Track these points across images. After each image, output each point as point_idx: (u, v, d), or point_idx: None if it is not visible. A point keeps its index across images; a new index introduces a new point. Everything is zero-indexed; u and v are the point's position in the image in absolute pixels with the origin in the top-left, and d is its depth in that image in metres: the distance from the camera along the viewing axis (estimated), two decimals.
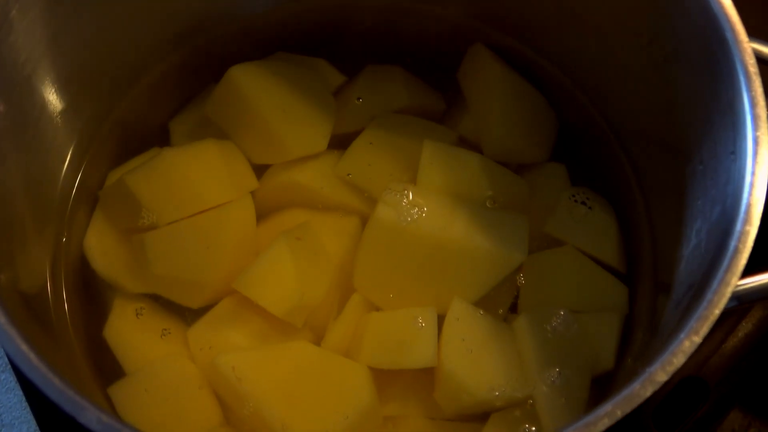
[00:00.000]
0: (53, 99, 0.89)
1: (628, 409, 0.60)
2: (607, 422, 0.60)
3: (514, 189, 0.99)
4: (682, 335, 0.63)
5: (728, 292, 0.64)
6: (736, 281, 0.64)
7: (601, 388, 0.90)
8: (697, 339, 0.62)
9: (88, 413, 0.59)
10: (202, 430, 0.88)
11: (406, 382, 0.91)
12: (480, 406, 0.88)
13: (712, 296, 0.64)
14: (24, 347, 0.62)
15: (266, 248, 0.92)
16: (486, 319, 0.91)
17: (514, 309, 0.96)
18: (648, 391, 0.61)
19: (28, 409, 1.02)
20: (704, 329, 0.62)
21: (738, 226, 0.66)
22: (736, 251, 0.65)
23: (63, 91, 0.89)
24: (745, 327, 0.96)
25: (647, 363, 0.78)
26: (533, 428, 0.87)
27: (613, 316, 0.93)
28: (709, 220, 0.74)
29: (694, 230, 0.78)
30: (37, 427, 1.01)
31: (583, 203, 0.99)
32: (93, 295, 0.97)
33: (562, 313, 0.90)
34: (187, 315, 0.96)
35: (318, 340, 0.94)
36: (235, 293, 0.92)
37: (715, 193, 0.74)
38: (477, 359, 0.88)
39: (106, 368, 0.92)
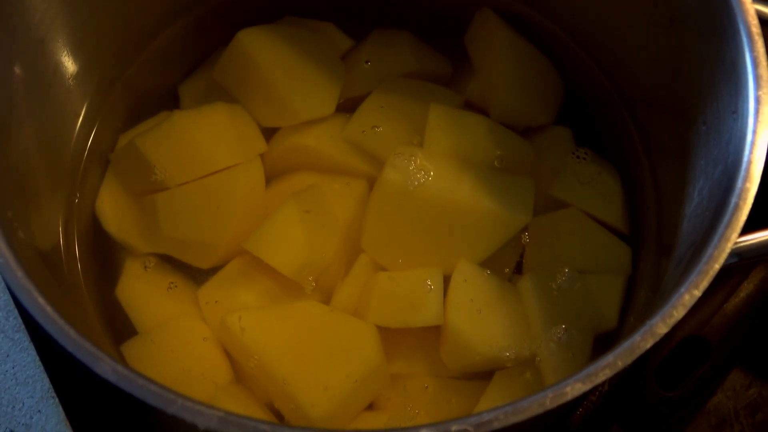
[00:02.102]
0: (65, 62, 0.90)
1: (628, 360, 0.62)
2: (608, 372, 0.61)
3: (520, 152, 0.99)
4: (682, 289, 0.64)
5: (728, 247, 0.65)
6: (737, 237, 0.65)
7: (604, 347, 0.91)
8: (697, 293, 0.63)
9: (104, 364, 0.61)
10: (212, 387, 0.90)
11: (413, 342, 0.93)
12: (486, 363, 0.89)
13: (713, 251, 0.65)
14: (41, 300, 0.63)
15: (276, 210, 0.93)
16: (491, 278, 0.92)
17: (519, 270, 0.98)
18: (648, 343, 0.62)
19: (42, 368, 1.03)
20: (704, 283, 0.64)
21: (739, 183, 0.67)
22: (737, 207, 0.66)
23: (75, 54, 0.91)
24: (747, 287, 0.97)
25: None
26: (536, 385, 0.88)
27: (616, 277, 0.94)
28: (711, 179, 0.75)
29: (696, 189, 0.79)
30: (51, 385, 1.02)
31: (584, 158, 1.00)
32: (105, 255, 0.98)
33: (567, 270, 0.92)
34: (195, 271, 0.98)
35: (326, 301, 0.95)
36: (244, 254, 0.94)
37: (717, 153, 0.75)
38: (483, 317, 0.89)
39: (118, 327, 0.94)
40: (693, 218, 0.77)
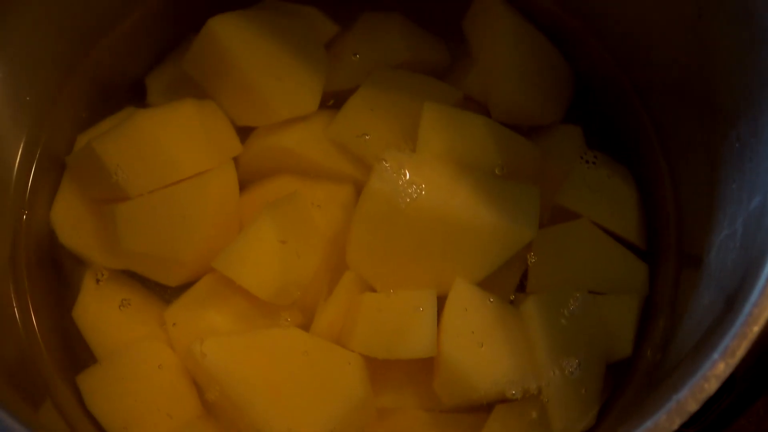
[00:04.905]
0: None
1: None
2: None
3: (525, 156, 0.90)
4: (715, 356, 0.54)
5: None
6: None
7: (615, 376, 0.83)
8: (733, 361, 0.54)
9: None
10: (178, 421, 0.82)
11: (402, 372, 0.85)
12: (485, 398, 0.81)
13: (751, 309, 0.55)
14: None
15: (250, 223, 0.84)
16: (491, 302, 0.83)
17: (522, 288, 0.88)
18: (675, 424, 0.53)
19: None
20: (741, 350, 0.54)
21: None
22: None
23: (15, 42, 0.81)
24: None
25: (670, 359, 0.71)
26: (541, 421, 0.80)
27: (631, 298, 0.86)
28: (745, 210, 0.65)
29: (726, 216, 0.69)
30: None
31: (593, 162, 0.91)
32: (61, 274, 0.90)
33: (578, 295, 0.83)
34: (158, 285, 0.89)
35: (308, 322, 0.87)
36: (216, 271, 0.84)
37: (754, 180, 0.65)
38: (481, 347, 0.81)
39: (76, 355, 0.86)
40: (723, 252, 0.68)
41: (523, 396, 0.80)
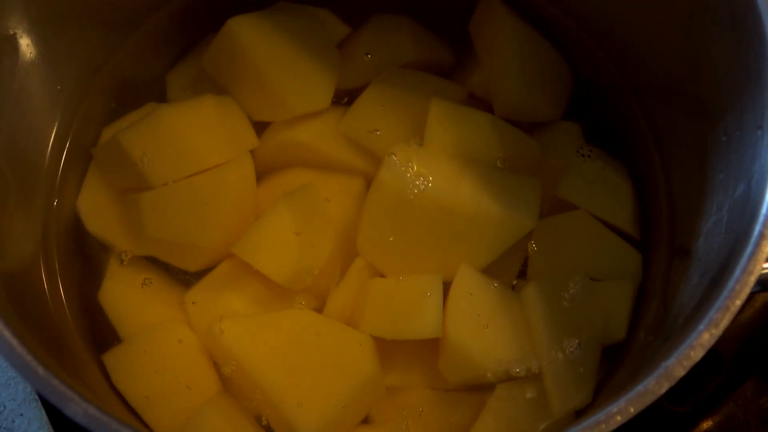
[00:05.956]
0: (35, 50, 0.83)
1: (641, 406, 0.57)
2: (619, 420, 0.57)
3: (526, 150, 0.94)
4: (701, 327, 0.59)
5: (751, 281, 0.60)
6: (760, 269, 0.60)
7: (610, 358, 0.87)
8: (717, 332, 0.59)
9: (73, 405, 0.56)
10: (198, 398, 0.86)
11: (409, 352, 0.89)
12: (487, 377, 0.85)
13: (734, 285, 0.60)
14: (6, 334, 0.59)
15: (266, 212, 0.88)
16: (494, 286, 0.87)
17: (523, 275, 0.93)
18: (663, 388, 0.57)
19: None
20: (725, 321, 0.59)
21: (763, 210, 0.62)
22: (761, 237, 0.61)
23: (48, 40, 0.85)
24: (763, 296, 0.92)
25: (661, 338, 0.76)
26: (540, 399, 0.84)
27: (626, 285, 0.89)
28: (731, 197, 0.70)
29: (714, 204, 0.74)
30: (33, 388, 0.99)
31: (589, 156, 0.95)
32: (88, 259, 0.93)
33: (578, 278, 0.87)
34: (179, 269, 0.93)
35: (320, 306, 0.91)
36: (234, 257, 0.89)
37: (739, 169, 0.69)
38: (485, 329, 0.85)
39: (103, 335, 0.90)
40: (711, 237, 0.72)
41: (525, 375, 0.84)
